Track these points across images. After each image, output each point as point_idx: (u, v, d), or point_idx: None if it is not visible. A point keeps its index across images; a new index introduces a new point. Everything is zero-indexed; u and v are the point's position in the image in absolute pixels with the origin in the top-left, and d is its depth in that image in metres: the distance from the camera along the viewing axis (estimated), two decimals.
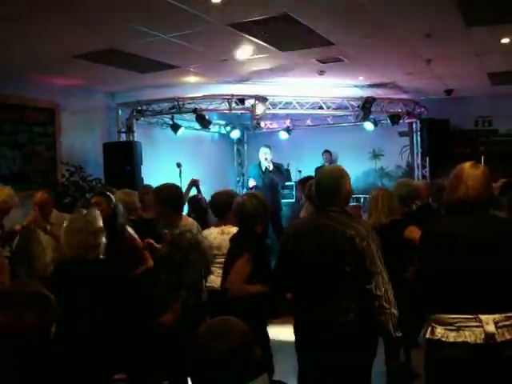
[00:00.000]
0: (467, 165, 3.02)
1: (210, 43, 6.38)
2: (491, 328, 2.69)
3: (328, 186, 3.38)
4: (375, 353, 3.31)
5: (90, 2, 4.81)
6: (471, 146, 10.55)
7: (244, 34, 5.99)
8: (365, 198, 10.45)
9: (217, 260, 4.86)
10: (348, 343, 3.16)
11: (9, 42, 5.89)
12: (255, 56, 7.01)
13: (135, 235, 4.98)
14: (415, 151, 10.98)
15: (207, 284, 4.88)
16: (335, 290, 3.18)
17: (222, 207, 4.97)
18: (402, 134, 11.31)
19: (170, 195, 4.44)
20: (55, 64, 7.03)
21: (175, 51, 6.62)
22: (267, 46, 6.50)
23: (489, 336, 2.69)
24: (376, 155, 11.77)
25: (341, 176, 3.47)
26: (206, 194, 6.39)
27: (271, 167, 10.00)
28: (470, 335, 2.72)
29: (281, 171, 10.21)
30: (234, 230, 4.87)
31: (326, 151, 11.52)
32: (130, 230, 4.99)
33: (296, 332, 3.45)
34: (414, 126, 11.00)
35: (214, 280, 4.79)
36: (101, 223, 3.73)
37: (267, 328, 4.06)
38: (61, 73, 7.66)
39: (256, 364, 1.88)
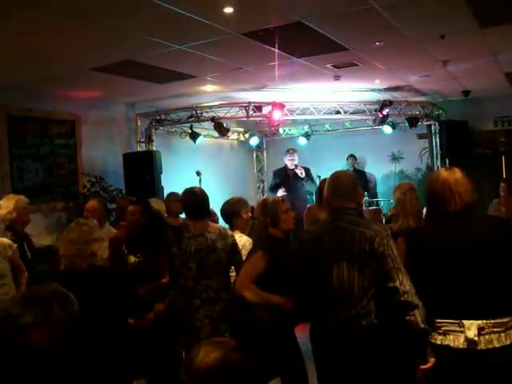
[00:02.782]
0: (445, 172, 3.02)
1: (225, 52, 6.45)
2: (471, 334, 2.69)
3: (345, 187, 3.39)
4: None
5: (104, 16, 4.92)
6: (491, 147, 10.44)
7: (258, 42, 6.05)
8: (385, 202, 10.47)
9: None
10: (370, 347, 3.09)
11: (29, 56, 6.03)
12: (270, 63, 7.07)
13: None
14: (434, 153, 10.90)
15: None
16: (355, 293, 3.13)
17: (229, 215, 5.08)
18: (420, 137, 11.25)
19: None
20: (75, 77, 7.17)
21: (191, 61, 6.70)
22: (281, 53, 6.55)
23: (469, 341, 2.70)
24: (395, 158, 11.72)
25: (354, 178, 3.52)
26: None
27: (303, 174, 9.72)
28: (454, 339, 2.74)
29: (311, 177, 9.92)
30: (243, 236, 4.96)
31: (351, 155, 11.49)
32: None
33: (314, 339, 3.38)
34: (432, 128, 10.92)
35: None
36: (98, 233, 3.76)
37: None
38: (81, 85, 7.80)
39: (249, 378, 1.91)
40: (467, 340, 2.70)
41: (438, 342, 2.81)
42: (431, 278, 2.85)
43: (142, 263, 4.95)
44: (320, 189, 6.56)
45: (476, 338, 2.69)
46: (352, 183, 3.44)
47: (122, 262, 4.97)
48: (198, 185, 8.57)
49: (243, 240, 4.82)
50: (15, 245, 4.88)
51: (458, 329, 2.74)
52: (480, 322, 2.71)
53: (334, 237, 3.25)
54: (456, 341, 2.74)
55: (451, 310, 2.78)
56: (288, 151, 10.10)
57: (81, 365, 2.65)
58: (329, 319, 3.23)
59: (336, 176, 3.52)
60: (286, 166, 10.07)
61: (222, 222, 5.43)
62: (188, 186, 4.85)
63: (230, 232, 4.65)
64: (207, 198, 4.62)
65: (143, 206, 5.21)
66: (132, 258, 5.00)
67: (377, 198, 10.91)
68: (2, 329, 2.53)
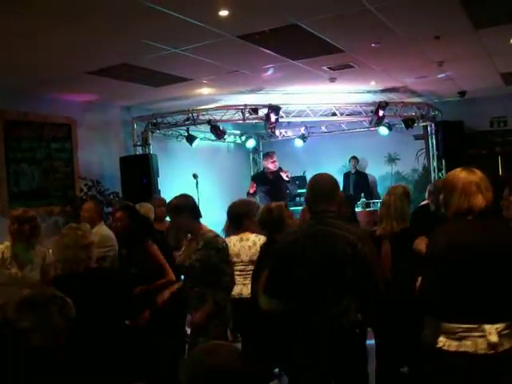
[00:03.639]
0: (464, 172, 2.95)
1: (221, 55, 6.46)
2: (494, 338, 2.64)
3: (326, 190, 3.41)
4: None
5: (100, 19, 4.93)
6: (487, 147, 10.47)
7: (253, 45, 6.06)
8: (380, 203, 10.46)
9: (236, 268, 4.91)
10: (351, 343, 3.22)
11: (25, 60, 6.03)
12: (266, 66, 7.08)
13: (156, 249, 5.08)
14: (431, 154, 10.94)
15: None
16: (336, 294, 3.21)
17: (240, 216, 5.09)
18: (417, 138, 11.27)
19: (187, 204, 4.51)
20: (71, 81, 7.16)
21: (187, 64, 6.71)
22: (277, 55, 6.57)
23: (491, 346, 2.65)
24: (392, 159, 11.74)
25: (335, 181, 3.53)
26: (223, 203, 6.44)
27: (289, 176, 9.60)
28: (472, 345, 2.67)
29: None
30: (253, 236, 5.00)
31: (353, 157, 11.54)
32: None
33: (294, 339, 3.39)
34: (428, 128, 10.96)
35: (234, 288, 4.86)
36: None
37: None
38: (76, 89, 7.79)
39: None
40: (489, 344, 2.64)
41: (453, 349, 2.72)
42: (450, 282, 2.78)
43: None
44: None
45: (499, 342, 2.64)
46: (332, 187, 3.46)
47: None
48: (194, 188, 8.59)
49: (262, 239, 4.85)
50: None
51: (477, 334, 2.67)
52: (498, 325, 2.67)
53: (317, 239, 3.29)
54: (473, 346, 2.67)
55: (471, 314, 2.71)
56: (268, 154, 9.90)
57: (79, 369, 2.64)
58: (309, 321, 3.28)
59: (317, 179, 3.52)
60: (264, 169, 9.95)
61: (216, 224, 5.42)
62: (185, 190, 4.86)
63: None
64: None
65: (129, 211, 5.22)
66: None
67: (379, 199, 10.95)
68: (1, 332, 2.53)
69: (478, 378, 2.68)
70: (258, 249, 4.71)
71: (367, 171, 11.88)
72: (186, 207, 4.39)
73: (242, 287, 4.88)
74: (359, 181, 11.39)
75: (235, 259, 4.93)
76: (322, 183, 3.46)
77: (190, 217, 4.37)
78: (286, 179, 9.56)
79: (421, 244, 3.99)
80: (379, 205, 10.23)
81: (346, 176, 11.49)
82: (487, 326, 2.67)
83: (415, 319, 3.20)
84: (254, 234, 5.07)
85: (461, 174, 2.95)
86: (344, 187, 11.05)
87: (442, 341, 2.76)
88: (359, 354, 3.34)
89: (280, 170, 9.62)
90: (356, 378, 3.34)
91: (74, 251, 3.60)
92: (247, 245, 4.99)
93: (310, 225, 3.44)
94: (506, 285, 2.73)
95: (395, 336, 3.43)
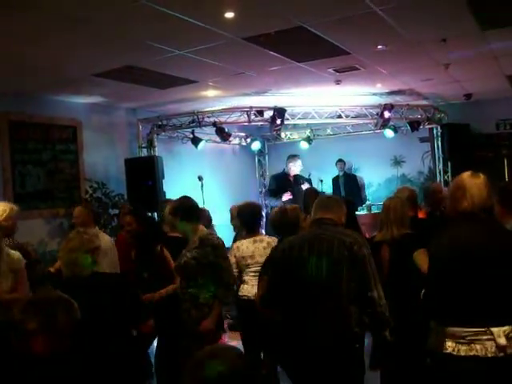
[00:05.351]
0: (467, 174, 3.01)
1: (227, 57, 6.46)
2: (503, 341, 2.63)
3: (329, 201, 3.67)
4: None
5: (106, 21, 4.93)
6: (493, 150, 10.42)
7: (259, 47, 6.05)
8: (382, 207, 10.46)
9: (250, 269, 4.95)
10: (348, 355, 3.21)
11: (30, 61, 6.03)
12: (271, 68, 7.07)
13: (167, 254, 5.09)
14: (437, 157, 10.91)
15: (241, 294, 4.95)
16: (334, 300, 3.21)
17: (253, 218, 5.13)
18: (422, 140, 11.23)
19: (180, 206, 4.49)
20: (76, 83, 7.18)
21: (192, 66, 6.70)
22: (282, 57, 6.56)
23: (500, 348, 2.63)
24: (397, 162, 11.72)
25: (341, 200, 3.78)
26: (229, 205, 6.45)
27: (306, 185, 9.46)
28: (481, 349, 2.66)
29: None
30: (267, 238, 5.02)
31: (340, 160, 11.46)
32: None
33: (290, 349, 3.39)
34: (434, 131, 10.93)
35: (250, 290, 4.86)
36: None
37: None
38: (82, 91, 7.81)
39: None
40: (498, 347, 2.63)
41: (462, 354, 2.70)
42: (458, 285, 2.77)
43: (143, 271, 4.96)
44: (305, 200, 6.59)
45: (508, 344, 2.63)
46: (337, 200, 3.70)
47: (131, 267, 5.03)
48: (199, 190, 8.59)
49: (275, 240, 4.85)
50: (25, 261, 4.75)
51: (485, 337, 2.66)
52: (506, 328, 2.65)
53: (315, 243, 3.35)
54: (483, 350, 2.66)
55: (478, 317, 2.70)
56: (293, 157, 9.93)
57: (84, 372, 2.63)
58: (305, 331, 3.27)
59: (323, 195, 3.80)
60: (285, 171, 9.96)
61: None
62: (190, 192, 4.85)
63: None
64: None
65: (139, 215, 5.22)
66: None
67: (366, 200, 10.99)
68: (5, 335, 2.52)
69: (489, 382, 2.67)
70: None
71: (369, 174, 11.87)
72: (179, 209, 4.40)
73: None
74: (349, 182, 11.32)
75: (249, 261, 4.95)
76: (327, 197, 3.83)
77: (184, 219, 4.38)
78: (306, 185, 9.49)
79: (421, 259, 3.85)
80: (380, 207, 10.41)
81: (335, 180, 11.42)
82: (495, 329, 2.66)
83: (416, 325, 3.21)
84: (267, 236, 5.15)
85: (465, 177, 3.01)
86: (334, 191, 11.06)
87: (451, 346, 2.74)
88: (356, 370, 3.32)
89: (301, 178, 9.67)
90: None
91: (79, 255, 3.61)
92: (262, 246, 4.98)
93: (308, 232, 3.60)
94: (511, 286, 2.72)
95: (394, 343, 3.39)
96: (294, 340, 3.35)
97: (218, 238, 4.41)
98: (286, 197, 9.33)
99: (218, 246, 4.27)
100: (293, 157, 9.99)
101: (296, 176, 9.79)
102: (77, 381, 2.51)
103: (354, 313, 3.20)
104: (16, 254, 4.38)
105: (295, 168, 9.75)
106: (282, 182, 9.74)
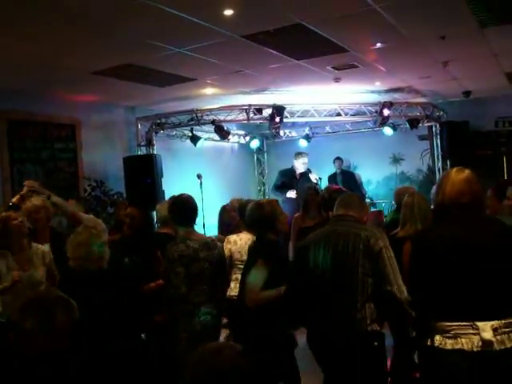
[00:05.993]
0: (452, 170, 3.02)
1: (225, 55, 6.45)
2: (488, 335, 2.62)
3: (350, 198, 3.67)
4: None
5: (104, 19, 4.92)
6: (492, 148, 10.41)
7: (258, 45, 6.04)
8: (386, 204, 10.46)
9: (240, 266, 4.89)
10: (364, 353, 3.17)
11: (30, 61, 6.02)
12: (270, 66, 7.06)
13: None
14: (436, 154, 10.89)
15: (229, 293, 4.90)
16: (351, 295, 3.19)
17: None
18: (421, 138, 11.22)
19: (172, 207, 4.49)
20: (75, 81, 7.16)
21: (191, 64, 6.70)
22: (281, 55, 6.56)
23: (486, 343, 2.62)
24: (396, 160, 11.72)
25: (362, 197, 3.93)
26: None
27: (317, 180, 9.27)
28: (467, 343, 2.65)
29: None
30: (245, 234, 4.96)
31: (337, 158, 11.36)
32: None
33: (312, 344, 3.43)
34: (433, 129, 10.91)
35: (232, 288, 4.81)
36: (105, 236, 3.82)
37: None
38: (81, 89, 7.80)
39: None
40: (483, 342, 2.62)
41: (449, 347, 2.69)
42: (439, 280, 2.77)
43: (139, 264, 4.92)
44: (305, 198, 6.56)
45: (494, 339, 2.61)
46: (358, 198, 3.75)
47: (117, 263, 4.99)
48: (198, 188, 8.57)
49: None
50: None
51: (471, 331, 2.65)
52: (493, 322, 2.63)
53: (331, 238, 3.37)
54: (469, 344, 2.65)
55: (463, 311, 2.70)
56: (301, 154, 9.79)
57: (84, 372, 2.63)
58: (325, 324, 3.29)
59: (345, 193, 4.00)
60: (293, 167, 9.86)
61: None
62: (189, 190, 4.83)
63: (219, 244, 4.52)
64: (195, 205, 4.44)
65: (144, 209, 5.21)
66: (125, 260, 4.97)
67: (366, 195, 10.92)
68: (4, 334, 2.51)
69: (475, 376, 2.65)
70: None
71: (368, 172, 11.86)
72: (171, 211, 4.42)
73: None
74: (347, 180, 11.26)
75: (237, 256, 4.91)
76: (348, 195, 3.85)
77: (174, 221, 4.39)
78: (314, 181, 9.40)
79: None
80: (384, 205, 10.40)
81: (333, 177, 11.32)
82: (481, 323, 2.65)
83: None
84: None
85: (448, 173, 3.04)
86: None
87: (438, 339, 2.74)
88: (375, 371, 3.24)
89: (309, 171, 9.54)
90: None
91: (87, 249, 3.64)
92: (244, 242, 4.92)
93: (325, 228, 3.59)
94: (498, 280, 2.70)
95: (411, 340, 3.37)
96: (313, 339, 3.40)
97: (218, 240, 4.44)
98: (290, 194, 9.29)
99: (220, 248, 4.35)
100: (298, 154, 9.90)
101: (303, 174, 9.61)
102: (76, 381, 2.50)
103: (370, 309, 3.18)
104: (44, 247, 4.50)
105: (298, 165, 9.68)
106: (288, 178, 9.67)
